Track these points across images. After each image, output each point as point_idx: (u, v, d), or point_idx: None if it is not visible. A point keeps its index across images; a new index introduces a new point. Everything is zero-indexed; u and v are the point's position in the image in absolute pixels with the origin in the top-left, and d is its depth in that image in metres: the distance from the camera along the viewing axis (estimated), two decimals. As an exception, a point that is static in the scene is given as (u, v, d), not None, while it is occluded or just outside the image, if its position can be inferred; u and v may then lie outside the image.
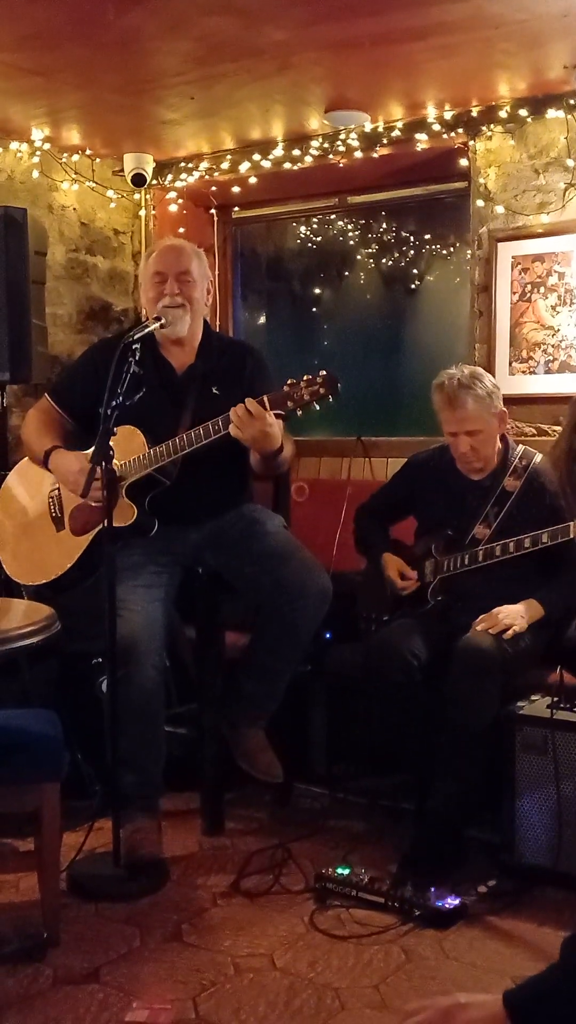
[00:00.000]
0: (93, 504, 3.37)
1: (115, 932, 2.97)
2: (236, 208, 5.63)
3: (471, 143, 4.53)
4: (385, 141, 4.69)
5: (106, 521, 3.20)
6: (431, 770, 3.38)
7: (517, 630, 3.32)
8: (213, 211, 5.65)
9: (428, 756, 3.43)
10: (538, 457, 3.60)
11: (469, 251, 4.69)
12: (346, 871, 3.17)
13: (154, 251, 3.62)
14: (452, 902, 3.01)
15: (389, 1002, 2.60)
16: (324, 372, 3.13)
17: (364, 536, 3.89)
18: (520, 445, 3.66)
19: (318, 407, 3.16)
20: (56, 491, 3.63)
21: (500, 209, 4.47)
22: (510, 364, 4.47)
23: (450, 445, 3.58)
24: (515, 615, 3.35)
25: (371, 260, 5.46)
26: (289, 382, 3.17)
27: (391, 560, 3.72)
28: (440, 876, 3.13)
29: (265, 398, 3.17)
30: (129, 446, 3.39)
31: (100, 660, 3.68)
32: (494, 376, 4.37)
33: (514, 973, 2.73)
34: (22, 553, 3.70)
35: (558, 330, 4.35)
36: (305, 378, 3.15)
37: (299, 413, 3.20)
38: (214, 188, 5.37)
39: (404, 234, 5.33)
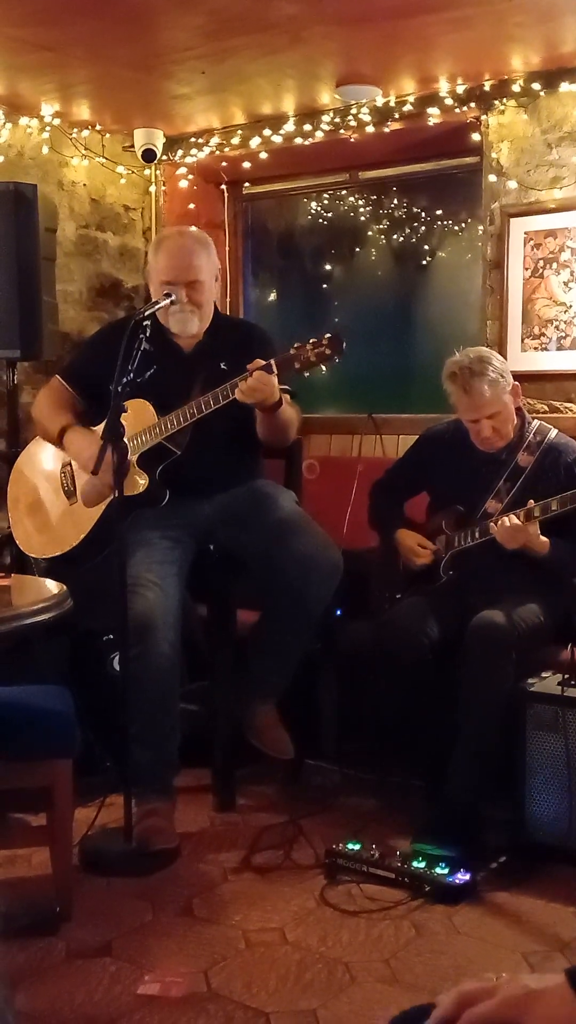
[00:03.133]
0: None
1: (127, 906, 2.99)
2: (247, 184, 5.61)
3: (483, 117, 4.49)
4: (397, 116, 4.66)
5: (117, 492, 3.20)
6: (441, 747, 3.39)
7: (525, 541, 3.33)
8: (223, 187, 5.63)
9: (438, 733, 3.44)
10: (552, 433, 3.58)
11: (481, 227, 4.67)
12: (356, 847, 3.19)
13: (161, 246, 3.56)
14: (462, 878, 3.02)
15: (399, 976, 2.62)
16: (329, 334, 3.15)
17: (379, 513, 3.88)
18: (536, 420, 3.65)
19: (324, 368, 3.19)
20: (69, 465, 3.66)
21: (512, 184, 4.43)
22: (522, 340, 4.45)
23: (471, 431, 3.55)
24: (541, 541, 3.34)
25: (382, 236, 5.43)
26: (296, 345, 3.20)
27: (408, 535, 3.71)
28: (457, 851, 3.15)
29: (272, 362, 3.20)
30: (140, 418, 3.40)
31: (112, 637, 3.69)
32: (506, 353, 4.39)
33: (524, 949, 2.75)
34: (35, 526, 3.73)
35: (570, 306, 4.33)
36: (311, 340, 3.17)
37: (306, 375, 3.23)
38: (224, 164, 5.34)
39: (415, 210, 5.30)
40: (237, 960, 2.70)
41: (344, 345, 3.15)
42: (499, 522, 3.36)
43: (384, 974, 2.63)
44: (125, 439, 3.25)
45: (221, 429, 3.40)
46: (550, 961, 2.70)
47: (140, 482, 3.42)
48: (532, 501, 3.33)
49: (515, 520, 3.32)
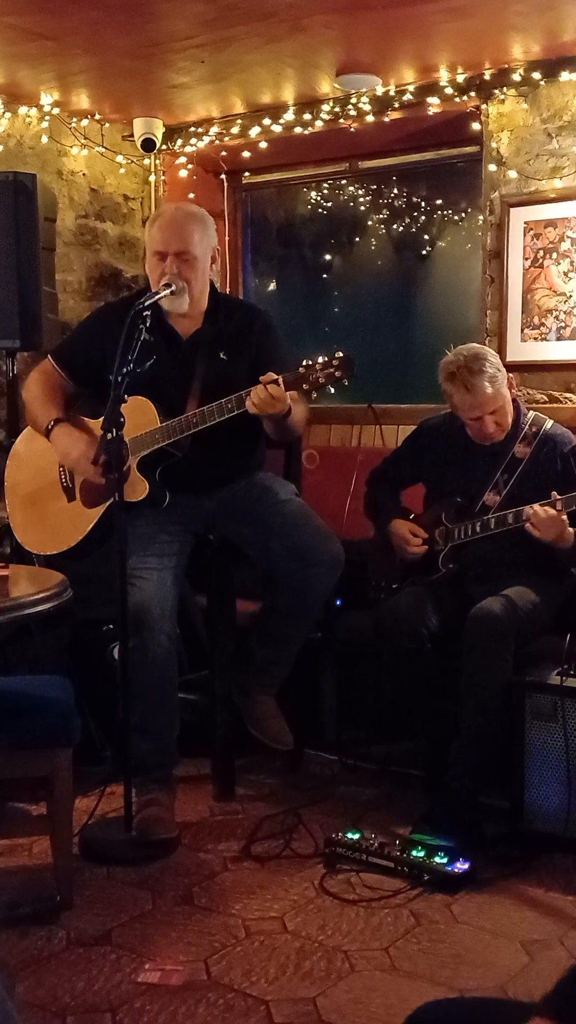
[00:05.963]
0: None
1: (127, 895, 3.01)
2: (246, 173, 5.59)
3: (483, 107, 4.47)
4: (396, 105, 4.64)
5: (117, 497, 3.19)
6: (440, 737, 3.40)
7: (561, 531, 3.27)
8: (223, 176, 5.61)
9: (437, 723, 3.45)
10: (548, 424, 3.59)
11: (481, 216, 4.65)
12: (356, 836, 3.20)
13: (156, 219, 3.53)
14: (461, 867, 3.04)
15: (398, 965, 2.63)
16: (341, 354, 3.10)
17: (376, 502, 3.88)
18: (531, 411, 3.65)
19: (333, 390, 3.15)
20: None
21: (513, 174, 4.42)
22: (522, 331, 4.44)
23: (472, 427, 3.54)
24: (570, 532, 3.29)
25: (382, 226, 5.42)
26: (305, 363, 3.14)
27: (401, 523, 3.71)
28: (456, 840, 3.16)
29: (280, 380, 3.16)
30: (141, 419, 3.37)
31: (111, 627, 3.70)
32: (506, 343, 4.40)
33: (523, 937, 2.77)
34: (33, 522, 3.69)
35: (570, 296, 4.32)
36: (321, 360, 3.12)
37: (314, 396, 3.21)
38: (224, 153, 5.33)
39: (415, 199, 5.29)
40: (237, 948, 2.71)
41: (355, 367, 3.09)
42: (534, 512, 3.28)
43: (383, 962, 2.64)
44: (126, 441, 3.23)
45: (223, 427, 3.35)
46: (549, 950, 2.71)
47: (141, 488, 3.40)
48: (555, 493, 3.28)
49: (551, 511, 3.28)
